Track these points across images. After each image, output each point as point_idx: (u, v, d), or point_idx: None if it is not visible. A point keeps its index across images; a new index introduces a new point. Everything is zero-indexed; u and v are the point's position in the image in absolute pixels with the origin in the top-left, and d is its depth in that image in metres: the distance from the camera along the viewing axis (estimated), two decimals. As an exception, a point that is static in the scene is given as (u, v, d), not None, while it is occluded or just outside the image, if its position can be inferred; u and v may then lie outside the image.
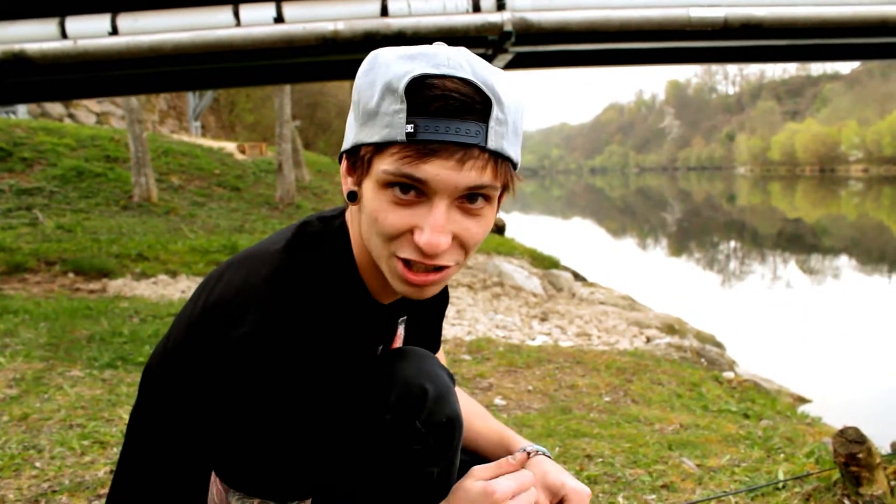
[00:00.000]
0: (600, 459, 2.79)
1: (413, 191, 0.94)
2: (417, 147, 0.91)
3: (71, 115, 25.32)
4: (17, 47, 5.55)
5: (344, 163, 1.04)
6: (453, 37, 6.11)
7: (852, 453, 2.23)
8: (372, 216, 0.98)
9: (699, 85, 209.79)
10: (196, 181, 16.78)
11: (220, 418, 1.00)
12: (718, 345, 6.89)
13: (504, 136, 0.95)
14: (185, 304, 1.13)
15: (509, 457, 1.13)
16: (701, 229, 28.19)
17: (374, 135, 0.94)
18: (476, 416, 1.44)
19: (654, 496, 2.47)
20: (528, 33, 6.05)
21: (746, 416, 3.61)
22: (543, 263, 11.35)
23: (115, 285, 7.59)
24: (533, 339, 5.80)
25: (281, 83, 15.62)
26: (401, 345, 1.29)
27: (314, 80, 11.64)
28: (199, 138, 25.48)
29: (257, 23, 5.89)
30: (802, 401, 5.72)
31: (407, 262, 0.98)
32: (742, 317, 10.09)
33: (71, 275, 7.99)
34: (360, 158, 0.98)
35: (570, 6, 6.08)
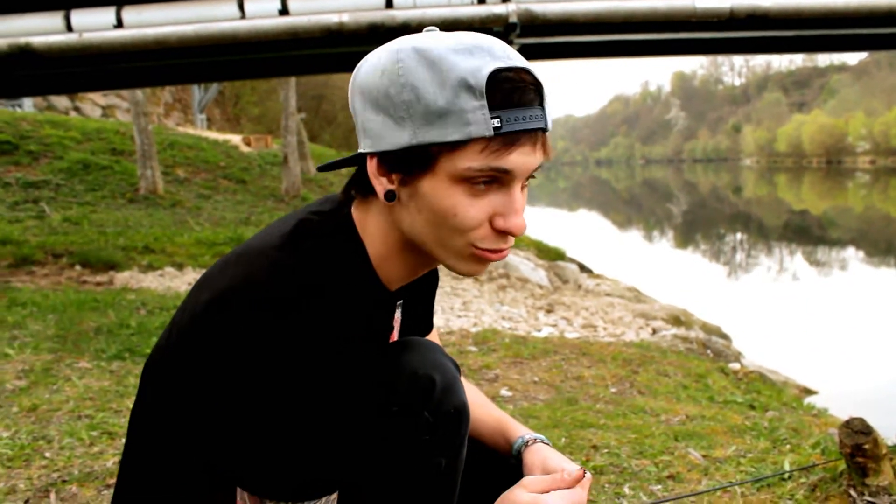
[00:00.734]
0: (606, 450, 2.80)
1: (489, 180, 0.98)
2: (503, 139, 0.95)
3: (76, 108, 25.38)
4: (22, 40, 5.56)
5: (374, 164, 1.03)
6: (458, 28, 6.08)
7: (858, 444, 2.23)
8: (447, 212, 0.99)
9: (705, 76, 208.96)
10: (202, 174, 16.81)
11: (227, 413, 1.00)
12: (724, 336, 6.89)
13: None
14: (186, 298, 1.12)
15: (564, 471, 1.15)
16: (707, 221, 28.16)
17: (451, 133, 0.94)
18: (476, 405, 1.44)
19: (659, 486, 2.48)
20: (534, 25, 6.04)
21: (752, 408, 3.61)
22: (549, 255, 11.35)
23: (121, 278, 7.62)
24: (539, 331, 5.81)
25: (286, 76, 15.61)
26: (397, 330, 1.30)
27: (319, 73, 11.66)
28: (205, 131, 25.52)
29: (262, 15, 5.90)
30: (809, 392, 5.73)
31: (478, 244, 1.02)
32: (748, 308, 10.09)
33: (78, 267, 8.03)
34: (416, 158, 0.98)
35: (575, -3, 6.07)
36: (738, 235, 22.78)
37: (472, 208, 0.98)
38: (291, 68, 10.38)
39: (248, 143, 20.92)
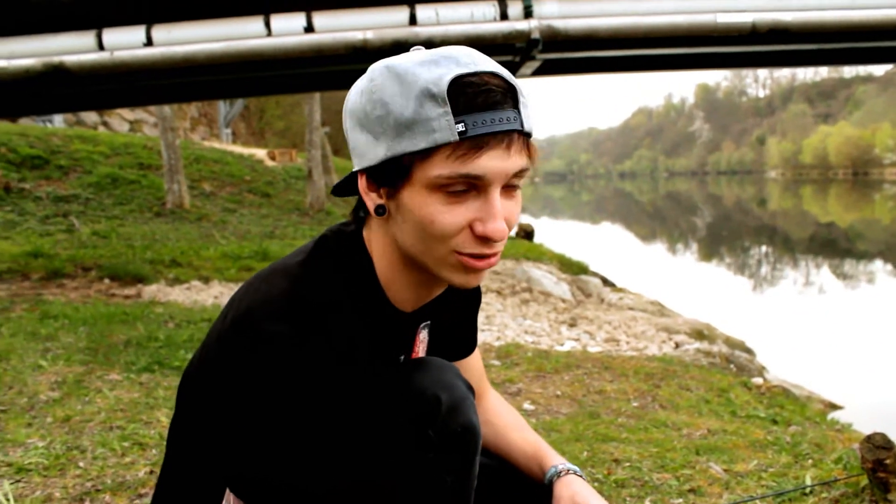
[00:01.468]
0: (628, 464, 2.82)
1: (465, 187, 0.99)
2: (469, 144, 0.96)
3: (105, 123, 25.76)
4: (56, 59, 5.70)
5: (363, 180, 1.06)
6: (481, 44, 6.17)
7: (879, 459, 2.25)
8: (425, 221, 1.00)
9: (729, 88, 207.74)
10: (227, 188, 17.01)
11: (244, 429, 1.04)
12: (748, 350, 6.85)
13: (530, 116, 1.01)
14: (219, 314, 1.17)
15: None
16: (731, 234, 27.97)
17: (419, 142, 0.97)
18: (513, 428, 1.47)
19: (680, 500, 2.50)
20: (556, 41, 6.09)
21: (775, 422, 3.61)
22: (572, 269, 11.35)
23: (149, 291, 7.73)
24: (561, 345, 5.82)
25: (310, 91, 15.79)
26: (424, 350, 1.31)
27: (343, 89, 11.73)
28: (230, 145, 25.80)
29: (288, 32, 5.99)
30: (834, 407, 5.68)
31: (463, 252, 1.02)
32: (773, 322, 10.02)
33: (107, 280, 8.16)
34: (393, 170, 1.01)
35: (597, 13, 6.11)
36: (763, 248, 22.60)
37: (449, 215, 1.00)
38: (316, 84, 10.51)
39: (272, 158, 21.12)
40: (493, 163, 0.97)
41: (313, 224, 15.65)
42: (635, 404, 3.84)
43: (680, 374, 4.55)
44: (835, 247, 21.79)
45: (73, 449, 2.77)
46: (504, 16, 6.09)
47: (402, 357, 1.24)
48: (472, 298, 1.45)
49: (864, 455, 2.42)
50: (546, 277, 9.50)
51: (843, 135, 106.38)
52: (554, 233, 24.15)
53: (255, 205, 16.46)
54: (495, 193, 1.00)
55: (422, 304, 1.20)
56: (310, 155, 17.19)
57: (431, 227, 1.00)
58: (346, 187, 1.15)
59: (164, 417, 3.19)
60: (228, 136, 31.48)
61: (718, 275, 16.66)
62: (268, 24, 5.97)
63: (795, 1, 6.20)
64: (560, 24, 6.03)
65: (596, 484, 2.61)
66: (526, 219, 31.71)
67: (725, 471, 2.77)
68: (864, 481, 2.44)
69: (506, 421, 1.47)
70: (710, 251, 22.26)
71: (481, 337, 5.90)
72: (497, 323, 6.67)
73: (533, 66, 7.23)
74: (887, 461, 2.25)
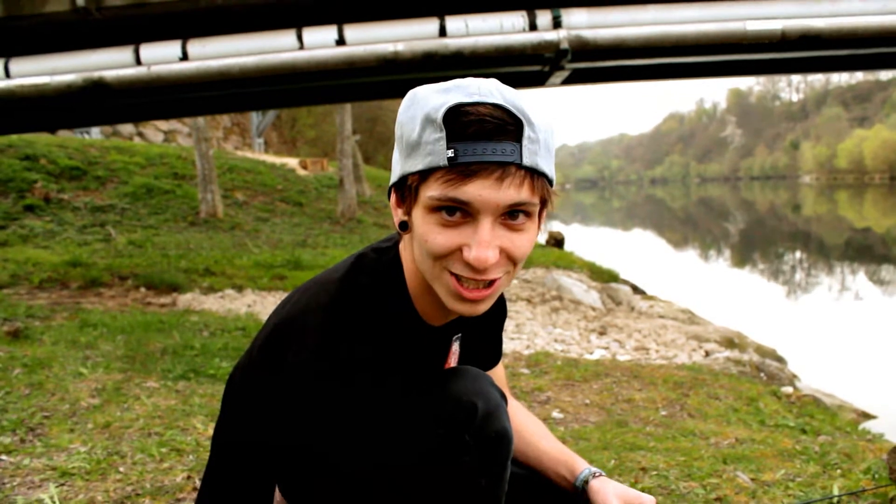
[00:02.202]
0: (655, 472, 2.85)
1: (459, 212, 1.03)
2: (459, 170, 1.00)
3: (140, 134, 26.19)
4: (96, 75, 5.85)
5: (393, 196, 1.13)
6: (510, 55, 6.22)
7: (906, 469, 2.25)
8: (422, 239, 1.06)
9: (761, 93, 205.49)
10: (260, 197, 17.20)
11: (283, 434, 1.10)
12: (779, 359, 6.81)
13: (537, 153, 1.03)
14: (264, 323, 1.25)
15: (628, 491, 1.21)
16: (764, 240, 27.64)
17: (418, 164, 1.03)
18: (542, 437, 1.53)
19: (707, 509, 2.52)
20: (584, 50, 6.11)
21: (804, 432, 3.60)
22: (602, 277, 11.33)
23: (184, 299, 7.88)
24: (591, 353, 5.84)
25: (342, 102, 15.93)
26: (456, 361, 1.38)
27: (374, 99, 11.88)
28: (262, 154, 26.08)
29: (320, 45, 6.08)
30: (867, 417, 5.62)
31: (459, 278, 1.06)
32: (807, 330, 9.92)
33: (143, 289, 8.32)
34: (407, 188, 1.07)
35: (626, 23, 6.12)
36: (797, 254, 22.31)
37: (441, 237, 1.04)
38: (347, 95, 10.61)
39: (304, 167, 21.32)
40: (483, 192, 1.00)
41: (345, 232, 15.78)
42: (664, 413, 3.86)
43: (709, 382, 4.55)
44: (871, 253, 21.45)
45: (113, 454, 2.86)
46: (533, 26, 6.11)
47: (435, 368, 1.30)
48: (498, 312, 1.52)
49: (892, 466, 2.43)
50: (576, 286, 9.51)
51: (879, 138, 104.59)
52: (585, 240, 24.08)
53: (288, 213, 16.64)
54: (485, 222, 1.03)
55: (450, 318, 1.26)
56: (341, 164, 17.34)
57: (425, 245, 1.06)
58: None
59: (199, 424, 3.27)
60: (261, 145, 31.81)
61: (751, 282, 16.49)
62: (300, 38, 6.06)
63: (826, 7, 6.16)
64: (589, 33, 6.05)
65: (623, 492, 2.64)
66: (556, 226, 31.61)
67: (752, 480, 2.78)
68: (893, 492, 2.44)
69: (532, 430, 1.53)
70: (742, 258, 22.04)
71: (511, 345, 5.94)
72: (527, 331, 6.70)
73: (562, 75, 7.26)
74: (915, 471, 2.26)
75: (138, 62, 5.99)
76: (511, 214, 1.05)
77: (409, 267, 1.19)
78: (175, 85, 6.25)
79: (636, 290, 11.03)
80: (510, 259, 1.07)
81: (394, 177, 1.11)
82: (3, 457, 2.79)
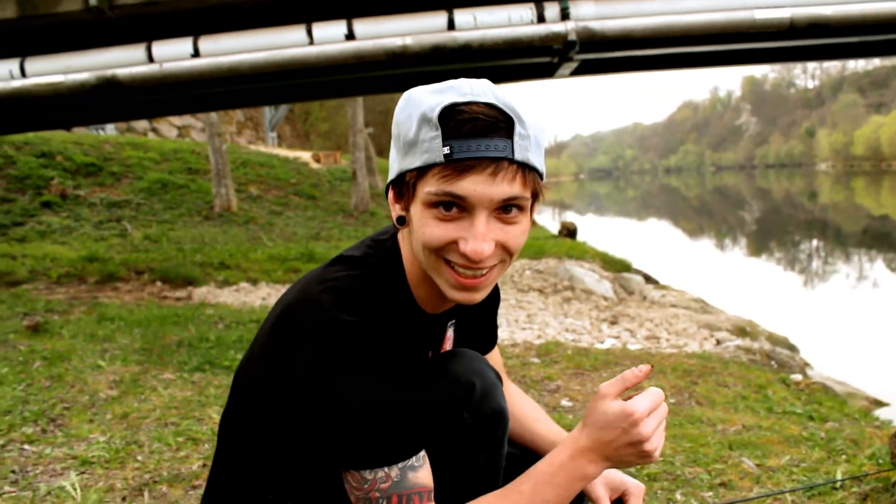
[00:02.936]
0: (661, 458, 2.89)
1: (455, 207, 1.08)
2: (454, 166, 1.05)
3: (154, 129, 26.36)
4: (109, 72, 5.93)
5: (391, 192, 1.19)
6: (518, 47, 6.25)
7: (907, 453, 2.29)
8: (420, 233, 1.12)
9: (776, 80, 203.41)
10: (273, 191, 17.31)
11: (294, 412, 1.16)
12: (791, 347, 6.82)
13: (528, 148, 1.08)
14: (268, 314, 1.30)
15: (633, 368, 1.21)
16: (780, 228, 27.50)
17: (415, 161, 1.08)
18: (537, 420, 1.59)
19: (711, 493, 2.57)
20: (592, 41, 6.13)
21: (811, 419, 3.64)
22: (615, 267, 11.35)
23: (199, 293, 7.97)
24: (602, 343, 5.88)
25: (352, 96, 15.98)
26: (451, 346, 1.44)
27: (384, 93, 11.93)
28: (276, 148, 26.19)
29: (329, 40, 6.13)
30: (879, 404, 5.63)
31: (454, 268, 1.12)
32: (820, 319, 9.89)
33: (158, 283, 8.43)
34: (405, 185, 1.13)
35: (633, 13, 6.13)
36: (814, 243, 22.18)
37: (438, 230, 1.10)
38: (358, 89, 10.67)
39: (317, 160, 21.40)
40: (477, 186, 1.06)
41: (358, 225, 15.87)
42: (672, 400, 3.90)
43: (718, 370, 4.58)
44: (889, 240, 21.29)
45: (131, 444, 2.94)
46: (541, 18, 6.14)
47: (431, 353, 1.36)
48: (491, 298, 1.58)
49: (893, 450, 2.47)
50: (588, 275, 9.54)
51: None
52: (598, 230, 24.05)
53: (301, 207, 16.74)
54: (481, 216, 1.08)
55: (447, 307, 1.32)
56: (354, 157, 17.41)
57: (423, 238, 1.12)
58: None
59: (215, 414, 3.35)
60: (274, 139, 31.95)
61: (765, 270, 16.44)
62: (310, 33, 6.11)
63: (835, -6, 6.15)
64: (597, 25, 6.07)
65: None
66: (570, 216, 31.55)
67: (758, 465, 2.82)
68: (895, 476, 2.48)
69: (528, 412, 1.59)
70: (757, 246, 21.95)
71: (522, 335, 5.99)
72: (538, 321, 6.74)
73: (571, 66, 7.28)
74: (916, 455, 2.29)
75: (151, 60, 6.07)
76: (504, 209, 1.10)
77: (407, 258, 1.25)
78: (187, 81, 6.33)
79: (648, 279, 11.05)
80: (505, 250, 1.13)
81: (392, 174, 1.17)
82: (26, 446, 2.88)
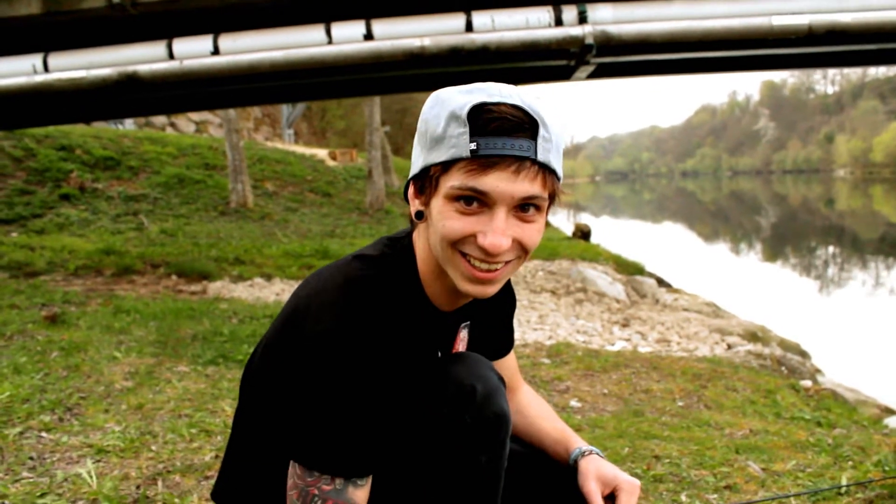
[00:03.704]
0: (667, 460, 2.92)
1: (476, 202, 1.13)
2: (480, 161, 1.10)
3: (172, 124, 26.55)
4: (130, 69, 6.02)
5: (411, 188, 1.24)
6: (535, 50, 6.28)
7: (911, 460, 2.31)
8: (440, 225, 1.16)
9: (795, 85, 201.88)
10: (289, 187, 17.40)
11: (298, 401, 1.19)
12: (803, 353, 6.82)
13: (550, 151, 1.13)
14: (282, 309, 1.35)
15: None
16: (796, 234, 27.36)
17: (441, 156, 1.13)
18: (543, 418, 1.63)
19: (716, 496, 2.59)
20: (609, 45, 6.16)
21: (819, 424, 3.65)
22: (628, 269, 11.35)
23: (214, 287, 8.05)
24: (612, 345, 5.90)
25: (369, 95, 16.05)
26: (464, 348, 1.48)
27: (401, 92, 11.99)
28: (292, 145, 26.31)
29: (348, 40, 6.19)
30: (890, 412, 5.62)
31: (470, 261, 1.16)
32: (834, 326, 9.85)
33: (174, 277, 8.51)
34: (428, 179, 1.17)
35: (652, 17, 6.14)
36: (829, 249, 22.05)
37: (459, 223, 1.14)
38: (375, 88, 10.73)
39: (333, 158, 21.50)
40: (500, 183, 1.10)
41: (373, 223, 15.93)
42: (680, 404, 3.92)
43: (728, 375, 4.60)
44: (907, 248, 21.13)
45: (145, 434, 2.99)
46: (559, 21, 6.17)
47: (441, 353, 1.40)
48: (508, 302, 1.62)
49: (898, 456, 2.48)
50: (601, 278, 9.55)
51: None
52: (613, 232, 24.01)
53: (317, 204, 16.82)
54: (500, 212, 1.13)
55: (459, 305, 1.36)
56: (370, 155, 17.48)
57: (443, 230, 1.16)
58: None
59: (228, 407, 3.40)
60: (291, 136, 32.09)
61: (779, 276, 16.37)
62: (329, 32, 6.17)
63: (854, 1, 6.14)
64: (614, 29, 6.09)
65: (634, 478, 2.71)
66: (584, 218, 31.48)
67: (763, 469, 2.84)
68: (899, 482, 2.50)
69: (537, 412, 1.63)
70: (772, 252, 21.86)
71: (533, 336, 6.02)
72: (550, 322, 6.77)
73: (587, 70, 7.30)
74: (920, 462, 2.31)
75: (171, 56, 6.15)
76: (523, 208, 1.14)
77: (422, 255, 1.29)
78: (206, 78, 6.40)
79: (661, 282, 11.05)
80: (521, 247, 1.17)
81: (414, 169, 1.21)
82: (44, 434, 2.94)
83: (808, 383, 4.64)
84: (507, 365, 1.65)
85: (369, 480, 1.22)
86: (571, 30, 6.08)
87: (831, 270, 17.41)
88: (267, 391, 1.29)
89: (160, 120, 25.90)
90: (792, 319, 9.28)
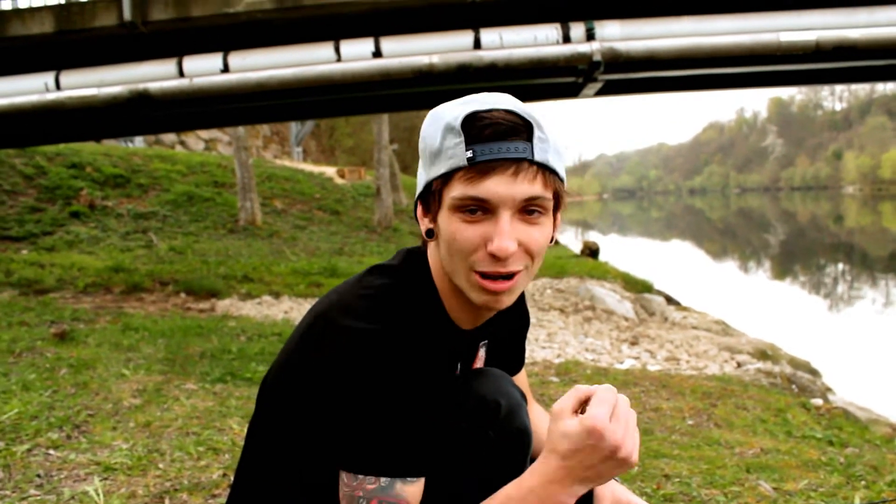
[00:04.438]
0: (677, 479, 2.89)
1: (479, 210, 1.13)
2: (477, 168, 1.10)
3: (182, 142, 26.70)
4: (141, 87, 6.06)
5: (419, 208, 1.24)
6: (543, 67, 6.30)
7: (925, 479, 2.28)
8: (449, 238, 1.16)
9: (803, 102, 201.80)
10: (298, 205, 17.45)
11: (330, 409, 1.18)
12: (813, 371, 6.77)
13: (547, 150, 1.13)
14: (298, 323, 1.34)
15: (577, 386, 1.18)
16: (805, 252, 27.25)
17: (441, 168, 1.14)
18: None
19: (727, 515, 2.57)
20: (617, 62, 6.17)
21: (831, 443, 3.61)
22: (636, 287, 11.32)
23: (222, 305, 8.05)
24: (621, 363, 5.87)
25: (378, 112, 16.10)
26: (480, 364, 1.47)
27: (409, 110, 12.02)
28: (301, 163, 26.40)
29: (356, 58, 6.22)
30: (903, 431, 5.57)
31: (482, 275, 1.15)
32: (844, 344, 9.78)
33: (183, 294, 8.52)
34: (432, 195, 1.18)
35: (659, 34, 6.16)
36: (839, 266, 21.93)
37: (467, 232, 1.14)
38: (384, 106, 10.76)
39: (342, 176, 21.56)
40: (500, 187, 1.11)
41: (381, 241, 15.94)
42: (690, 422, 3.89)
43: (738, 393, 4.57)
44: (916, 266, 21.01)
45: (153, 451, 2.98)
46: (567, 38, 6.19)
47: (461, 368, 1.39)
48: (521, 321, 1.62)
49: (912, 476, 2.45)
50: (609, 296, 9.52)
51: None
52: (621, 250, 23.97)
53: (325, 222, 16.85)
54: (504, 216, 1.12)
55: (479, 322, 1.35)
56: (378, 173, 17.53)
57: (454, 244, 1.16)
58: None
59: (235, 425, 3.39)
60: (299, 154, 32.20)
61: (789, 294, 16.29)
62: (338, 50, 6.21)
63: (863, 17, 6.14)
64: (622, 46, 6.10)
65: (644, 497, 2.69)
66: (592, 236, 31.46)
67: (775, 489, 2.81)
68: (913, 502, 2.46)
69: (544, 428, 1.61)
70: (781, 269, 21.76)
71: (542, 354, 6.00)
72: (558, 340, 6.74)
73: (595, 86, 7.32)
74: (934, 482, 2.28)
75: (181, 74, 6.19)
76: (528, 211, 1.14)
77: (437, 272, 1.28)
78: (216, 96, 6.44)
79: (670, 300, 11.00)
80: (528, 252, 1.16)
81: (419, 188, 1.22)
82: (51, 451, 2.93)
83: (818, 402, 4.60)
84: (519, 382, 1.65)
85: (420, 480, 1.19)
86: (579, 47, 6.09)
87: (840, 288, 17.32)
88: (287, 404, 1.28)
89: (170, 138, 26.06)
90: (802, 337, 9.22)
